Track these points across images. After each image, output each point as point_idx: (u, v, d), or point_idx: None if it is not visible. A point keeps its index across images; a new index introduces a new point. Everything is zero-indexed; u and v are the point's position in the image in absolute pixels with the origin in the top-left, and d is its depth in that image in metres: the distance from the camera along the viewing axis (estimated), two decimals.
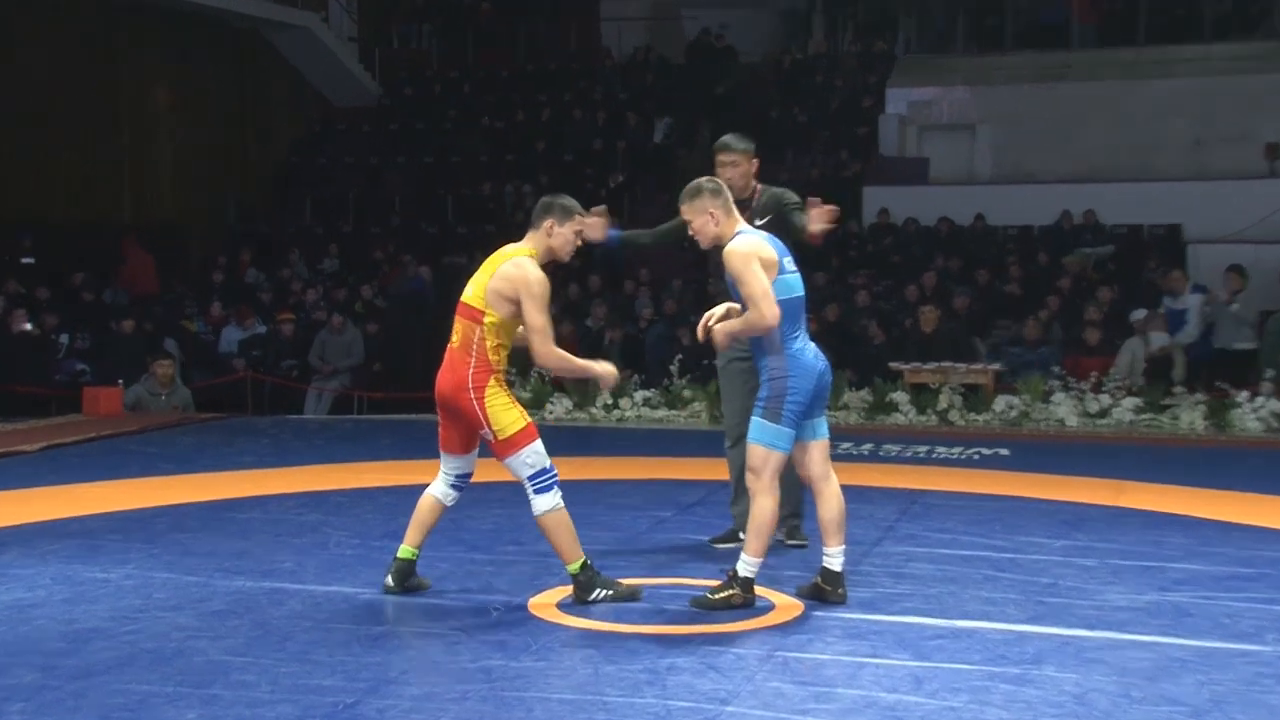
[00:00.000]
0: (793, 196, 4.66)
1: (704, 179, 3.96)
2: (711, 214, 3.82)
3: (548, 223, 3.87)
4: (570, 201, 3.94)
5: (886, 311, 10.49)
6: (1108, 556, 4.52)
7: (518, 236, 3.97)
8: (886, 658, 3.35)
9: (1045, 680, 3.18)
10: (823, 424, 3.86)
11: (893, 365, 8.85)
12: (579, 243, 3.97)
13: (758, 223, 4.48)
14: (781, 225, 4.53)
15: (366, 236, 13.69)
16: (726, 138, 4.69)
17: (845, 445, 7.45)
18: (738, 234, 3.82)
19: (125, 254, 12.35)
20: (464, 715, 2.90)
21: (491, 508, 5.17)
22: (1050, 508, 5.49)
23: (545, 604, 3.84)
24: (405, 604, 3.83)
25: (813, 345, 3.84)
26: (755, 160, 4.68)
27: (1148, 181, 12.62)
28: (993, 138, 13.87)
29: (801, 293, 3.83)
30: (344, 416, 9.72)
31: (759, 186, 4.67)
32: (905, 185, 13.19)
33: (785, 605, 3.85)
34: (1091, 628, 3.63)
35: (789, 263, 3.84)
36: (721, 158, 4.62)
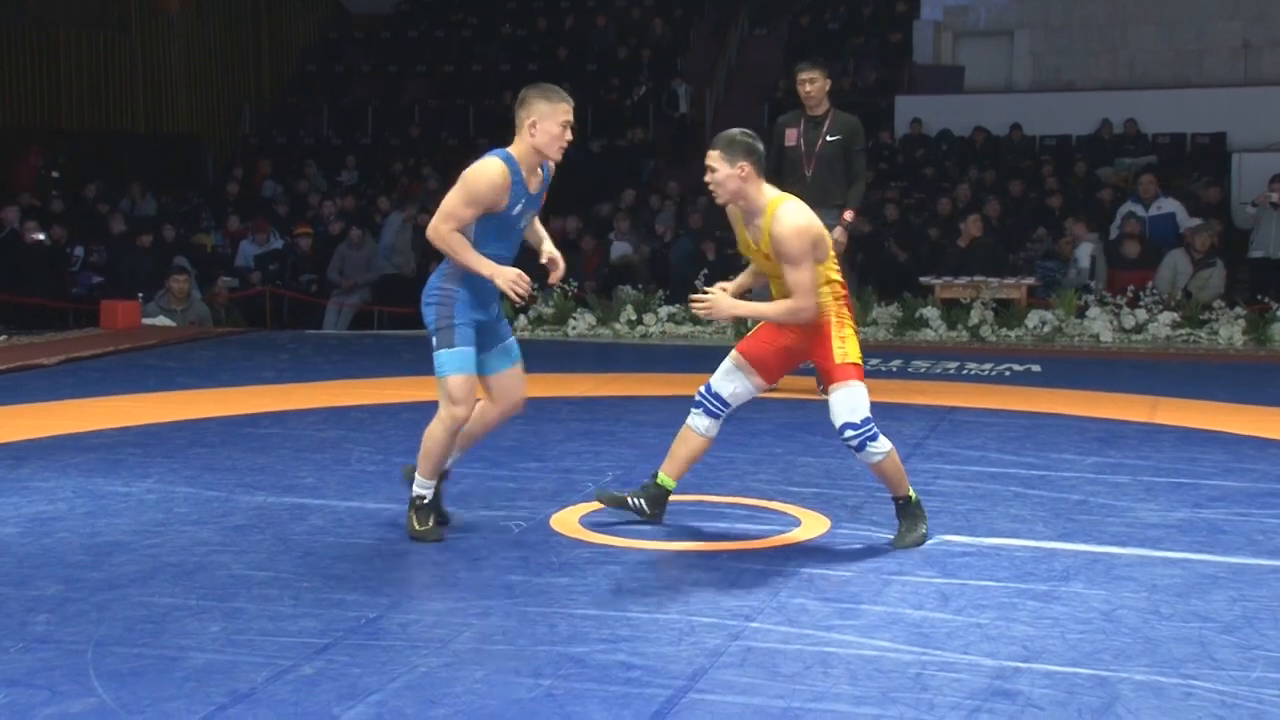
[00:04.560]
0: (862, 138, 5.84)
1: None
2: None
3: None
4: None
5: (914, 226, 10.25)
6: (1140, 473, 4.44)
7: None
8: (912, 575, 3.30)
9: (1073, 597, 3.12)
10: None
11: (923, 280, 8.67)
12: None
13: (829, 138, 5.68)
14: (844, 151, 5.66)
15: (385, 148, 13.48)
16: (806, 60, 5.96)
17: (874, 361, 7.33)
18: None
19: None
20: (486, 630, 2.87)
21: (515, 424, 5.12)
22: (1082, 424, 5.38)
23: (567, 520, 3.81)
24: None
25: None
26: (829, 80, 5.78)
27: (1192, 88, 12.15)
28: (1031, 44, 13.34)
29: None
30: (364, 332, 9.69)
31: (831, 108, 5.76)
32: (940, 95, 12.77)
33: (811, 522, 3.80)
34: (1122, 544, 3.56)
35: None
36: (803, 75, 5.74)
